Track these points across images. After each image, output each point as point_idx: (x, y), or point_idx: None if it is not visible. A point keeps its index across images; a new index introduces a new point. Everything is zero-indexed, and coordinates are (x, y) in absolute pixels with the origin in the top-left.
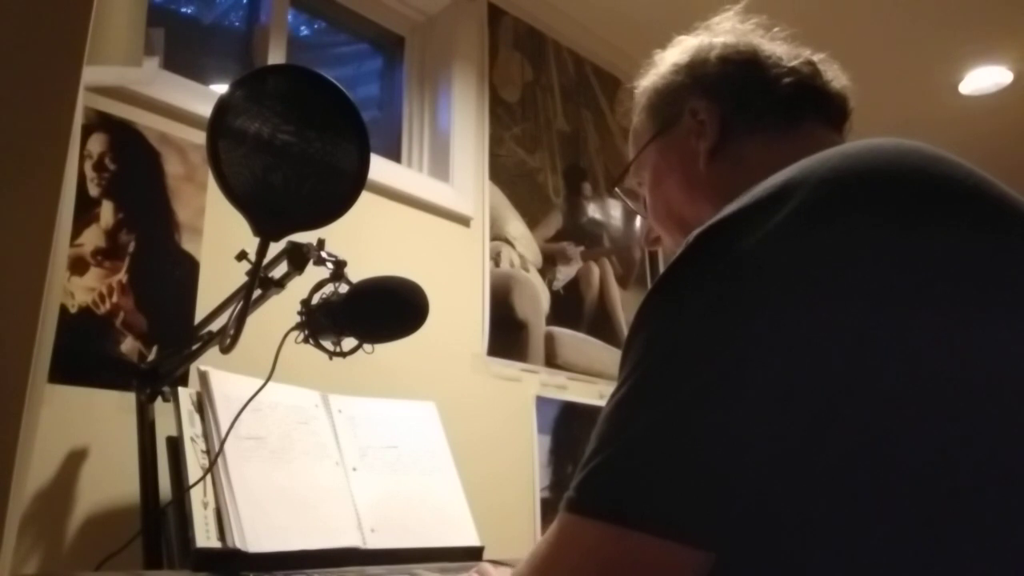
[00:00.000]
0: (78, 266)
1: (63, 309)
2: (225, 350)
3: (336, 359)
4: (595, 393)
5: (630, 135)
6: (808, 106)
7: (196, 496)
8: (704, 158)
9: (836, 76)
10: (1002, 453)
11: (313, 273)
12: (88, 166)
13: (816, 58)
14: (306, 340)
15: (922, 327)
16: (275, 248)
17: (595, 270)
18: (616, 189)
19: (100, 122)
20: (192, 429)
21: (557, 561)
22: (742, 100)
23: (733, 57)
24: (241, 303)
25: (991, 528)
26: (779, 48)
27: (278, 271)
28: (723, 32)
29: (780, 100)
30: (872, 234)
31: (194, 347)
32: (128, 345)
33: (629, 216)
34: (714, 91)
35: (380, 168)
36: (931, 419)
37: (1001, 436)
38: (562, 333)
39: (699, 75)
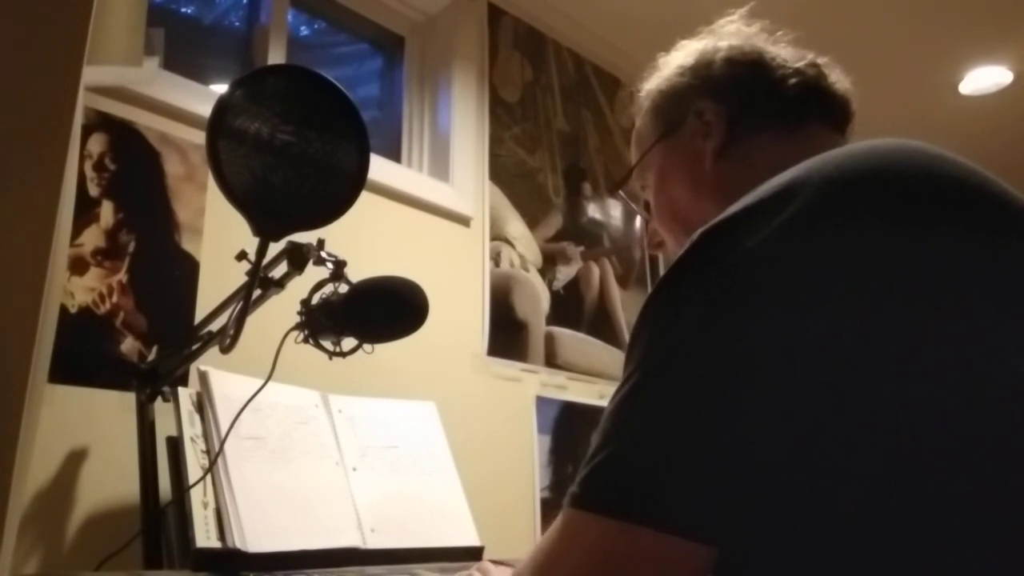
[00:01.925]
0: (78, 266)
1: (63, 309)
2: (225, 350)
3: (336, 359)
4: (595, 393)
5: (633, 138)
6: (813, 108)
7: (196, 496)
8: (710, 159)
9: (839, 79)
10: (1004, 452)
11: (313, 273)
12: (88, 166)
13: (820, 61)
14: (306, 340)
15: (925, 326)
16: (275, 248)
17: (595, 270)
18: (619, 192)
19: (100, 122)
20: (192, 429)
21: (561, 556)
22: (748, 101)
23: (738, 59)
24: (241, 303)
25: (993, 526)
26: (784, 51)
27: (278, 271)
28: (727, 35)
29: (786, 101)
30: (875, 233)
31: (194, 347)
32: (128, 345)
33: (629, 216)
34: (720, 92)
35: (380, 168)
36: (934, 418)
37: (1003, 435)
38: (562, 333)
39: (704, 77)
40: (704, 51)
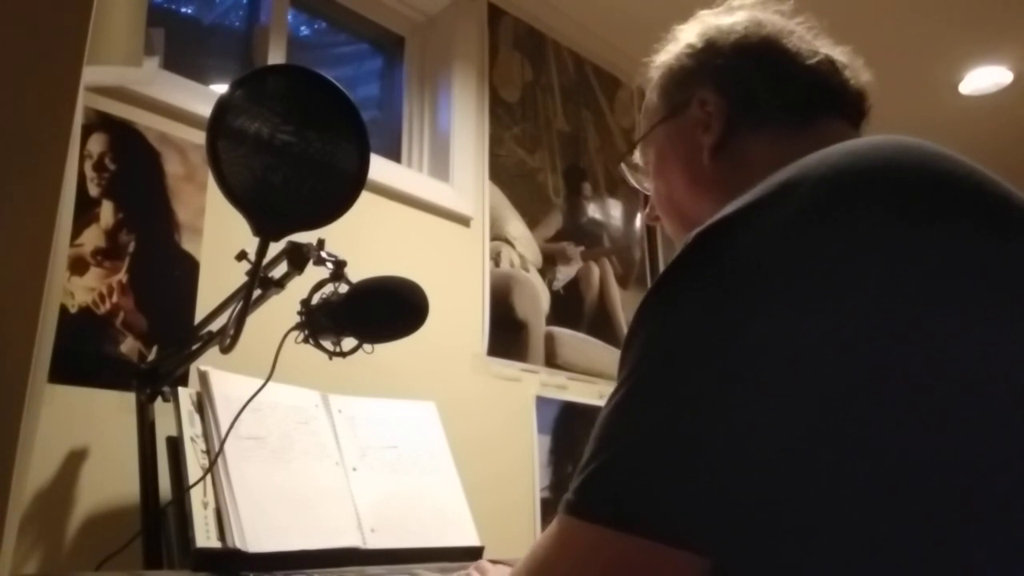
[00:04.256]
0: (78, 266)
1: (63, 309)
2: (225, 350)
3: (336, 359)
4: (595, 393)
5: (642, 108)
6: (823, 105)
7: (196, 496)
8: (707, 154)
9: (855, 75)
10: (1006, 454)
11: (313, 273)
12: (88, 166)
13: (837, 56)
14: (306, 340)
15: (923, 326)
16: (275, 248)
17: (595, 270)
18: (621, 165)
19: (100, 122)
20: (192, 429)
21: (555, 564)
22: (751, 98)
23: (749, 50)
24: (241, 303)
25: (995, 531)
26: (800, 42)
27: (278, 271)
28: (743, 18)
29: (792, 99)
30: (873, 232)
31: (194, 347)
32: (128, 345)
33: (629, 216)
34: (724, 84)
35: (380, 168)
36: (934, 420)
37: (1005, 437)
38: (562, 333)
39: (711, 66)
40: (718, 32)
